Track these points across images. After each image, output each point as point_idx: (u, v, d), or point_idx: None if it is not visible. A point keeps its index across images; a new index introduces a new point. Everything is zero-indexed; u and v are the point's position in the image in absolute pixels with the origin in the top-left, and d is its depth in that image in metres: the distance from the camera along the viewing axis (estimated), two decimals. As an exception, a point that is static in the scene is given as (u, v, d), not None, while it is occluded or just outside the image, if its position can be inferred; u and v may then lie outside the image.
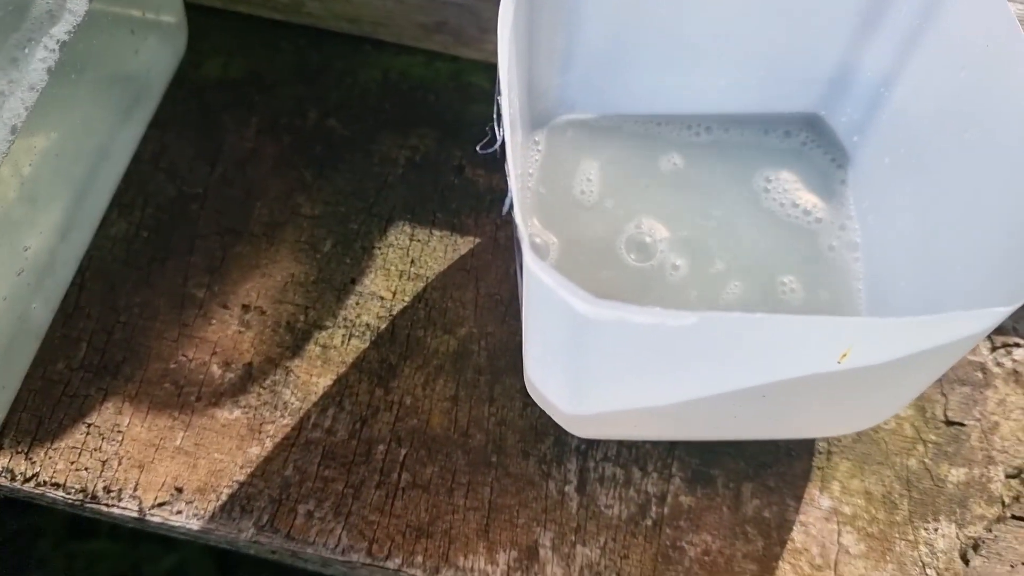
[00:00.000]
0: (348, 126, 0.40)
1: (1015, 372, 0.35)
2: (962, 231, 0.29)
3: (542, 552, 0.31)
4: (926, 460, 0.33)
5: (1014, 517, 0.32)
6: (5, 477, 0.32)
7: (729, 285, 0.34)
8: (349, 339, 0.35)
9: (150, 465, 0.32)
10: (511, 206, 0.24)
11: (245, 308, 0.35)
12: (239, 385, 0.34)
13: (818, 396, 0.26)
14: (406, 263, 0.37)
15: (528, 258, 0.22)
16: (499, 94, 0.26)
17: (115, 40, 0.35)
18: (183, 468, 0.32)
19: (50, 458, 0.32)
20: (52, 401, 0.33)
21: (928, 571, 0.31)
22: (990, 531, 0.32)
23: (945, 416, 0.34)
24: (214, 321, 0.35)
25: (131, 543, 0.50)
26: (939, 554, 0.32)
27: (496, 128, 0.27)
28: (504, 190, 0.38)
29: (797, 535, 0.32)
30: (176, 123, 0.40)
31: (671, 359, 0.24)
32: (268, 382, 0.34)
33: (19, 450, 0.32)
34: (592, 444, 0.33)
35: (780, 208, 0.35)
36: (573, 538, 0.31)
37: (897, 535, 0.32)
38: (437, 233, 0.37)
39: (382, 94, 0.41)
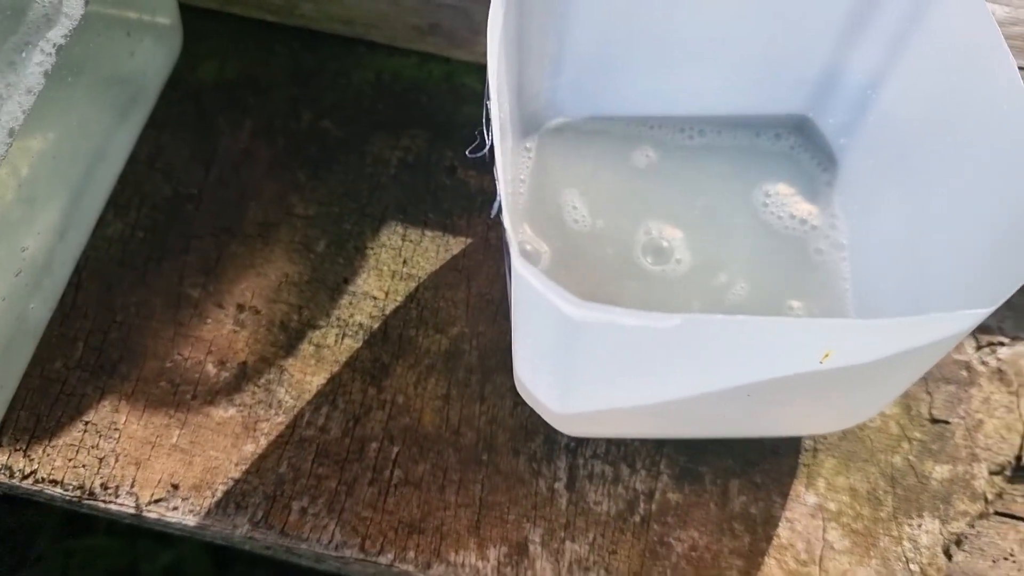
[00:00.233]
0: (341, 127, 0.40)
1: (999, 371, 0.36)
2: (947, 232, 0.30)
3: (532, 548, 0.32)
4: (911, 457, 0.34)
5: (997, 513, 0.33)
6: (4, 474, 0.32)
7: (721, 286, 0.34)
8: (342, 338, 0.35)
9: (147, 462, 0.33)
10: (499, 210, 0.25)
11: (240, 307, 0.36)
12: (234, 383, 0.34)
13: (802, 395, 0.27)
14: (398, 263, 0.37)
15: (516, 261, 0.22)
16: (488, 98, 0.26)
17: (111, 42, 0.35)
18: (179, 465, 0.33)
19: (48, 455, 0.33)
20: (50, 399, 0.34)
21: (911, 566, 0.32)
22: (973, 527, 0.33)
23: (930, 414, 0.35)
24: (209, 320, 0.35)
25: (128, 539, 0.50)
26: (923, 549, 0.32)
27: (485, 132, 0.27)
28: (495, 192, 0.38)
29: (783, 531, 0.32)
30: (172, 124, 0.40)
31: (657, 360, 0.24)
32: (263, 381, 0.34)
33: (17, 447, 0.33)
34: (581, 442, 0.34)
35: (764, 208, 0.36)
36: (562, 534, 0.32)
37: (881, 531, 0.32)
38: (429, 233, 0.38)
39: (375, 95, 0.41)
